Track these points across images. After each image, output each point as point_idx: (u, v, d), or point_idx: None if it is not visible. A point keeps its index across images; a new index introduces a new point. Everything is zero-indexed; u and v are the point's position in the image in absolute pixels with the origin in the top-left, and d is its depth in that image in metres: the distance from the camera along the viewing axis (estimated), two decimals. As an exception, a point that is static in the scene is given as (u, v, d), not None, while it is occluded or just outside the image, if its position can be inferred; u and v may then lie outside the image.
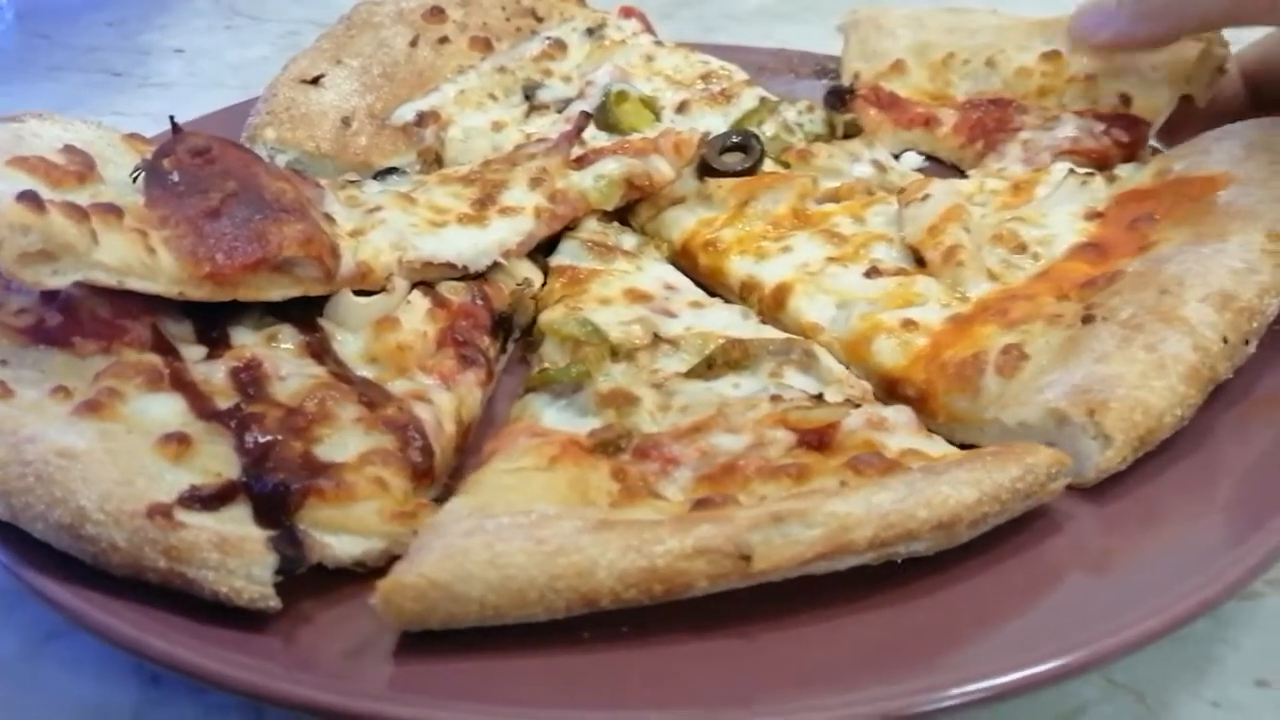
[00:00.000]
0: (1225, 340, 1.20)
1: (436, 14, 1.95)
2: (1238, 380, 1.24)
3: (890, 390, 1.28)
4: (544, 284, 1.49)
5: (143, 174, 1.34)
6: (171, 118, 1.42)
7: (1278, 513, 1.07)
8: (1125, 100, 1.70)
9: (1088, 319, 1.24)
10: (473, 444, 1.26)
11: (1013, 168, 1.67)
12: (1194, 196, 1.43)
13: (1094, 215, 1.48)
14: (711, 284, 1.51)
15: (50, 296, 1.22)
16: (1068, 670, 0.95)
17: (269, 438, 1.10)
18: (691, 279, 1.51)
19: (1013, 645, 0.99)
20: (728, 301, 1.47)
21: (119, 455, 1.03)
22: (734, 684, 0.95)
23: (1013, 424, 1.16)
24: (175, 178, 1.31)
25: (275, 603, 0.99)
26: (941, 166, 1.81)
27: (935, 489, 1.02)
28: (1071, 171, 1.56)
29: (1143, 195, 1.49)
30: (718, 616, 0.99)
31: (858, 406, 1.19)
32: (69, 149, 1.32)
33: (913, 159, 1.84)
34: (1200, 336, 1.18)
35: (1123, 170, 1.59)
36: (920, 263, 1.44)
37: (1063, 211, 1.49)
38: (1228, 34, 1.65)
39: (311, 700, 0.92)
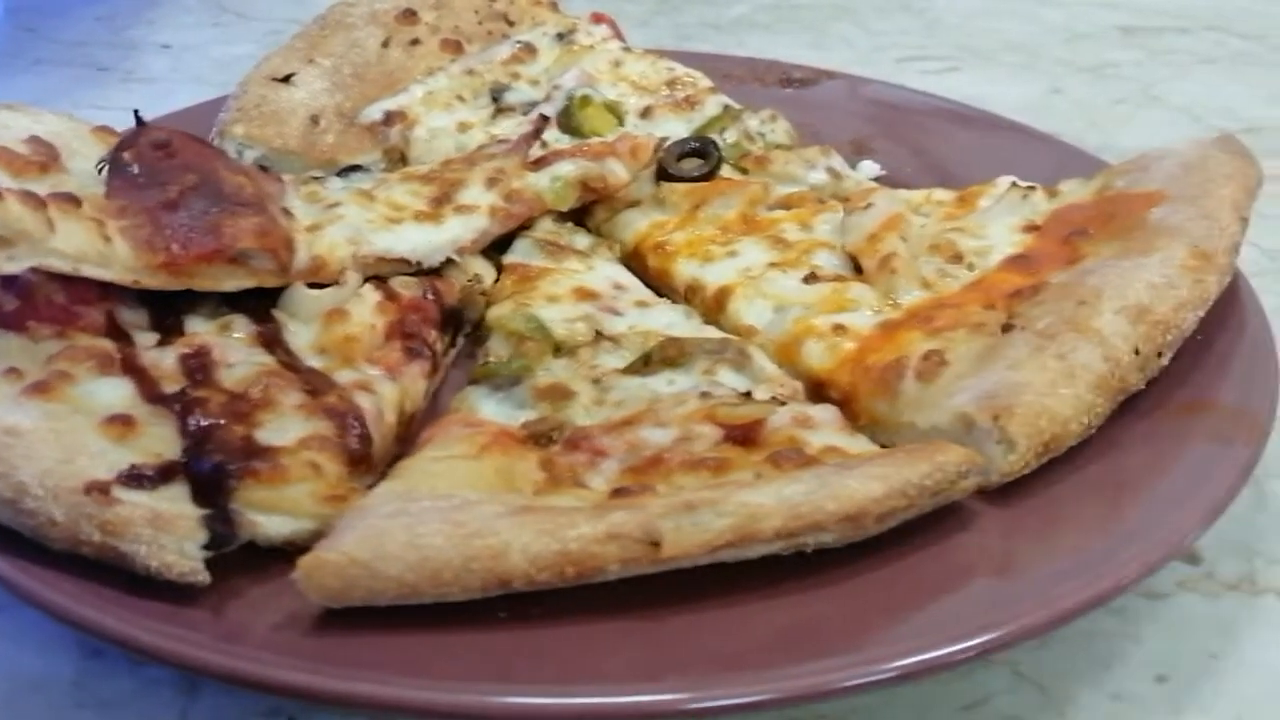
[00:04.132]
0: (1137, 351, 1.24)
1: (409, 16, 2.00)
2: (1152, 391, 1.28)
3: (818, 392, 1.33)
4: (496, 281, 1.54)
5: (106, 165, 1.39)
6: (136, 111, 1.46)
7: (1168, 518, 1.11)
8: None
9: (1007, 328, 1.28)
10: (415, 434, 1.31)
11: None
12: (1128, 212, 1.47)
13: (1031, 228, 1.52)
14: (660, 285, 1.56)
15: (6, 281, 1.25)
16: (964, 656, 0.99)
17: (211, 421, 1.15)
18: (642, 280, 1.56)
19: (913, 633, 1.03)
20: (675, 303, 1.51)
21: (63, 434, 1.08)
22: (643, 663, 0.99)
23: (925, 427, 1.21)
24: (135, 170, 1.36)
25: (204, 577, 1.03)
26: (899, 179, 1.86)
27: (844, 483, 1.06)
28: (1014, 184, 1.61)
29: (1080, 210, 1.54)
30: (632, 601, 1.04)
31: (784, 404, 1.23)
32: (34, 140, 1.37)
33: (870, 167, 1.88)
34: (1111, 347, 1.23)
35: (1066, 185, 1.64)
36: (859, 270, 1.49)
37: (1001, 224, 1.54)
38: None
39: (235, 670, 0.96)
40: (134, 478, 1.06)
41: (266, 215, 1.39)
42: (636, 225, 1.64)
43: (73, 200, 1.27)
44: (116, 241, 1.28)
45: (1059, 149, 1.86)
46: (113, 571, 1.05)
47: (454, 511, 1.01)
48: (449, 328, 1.46)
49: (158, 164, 1.37)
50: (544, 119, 1.74)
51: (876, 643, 1.02)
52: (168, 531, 1.02)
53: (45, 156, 1.35)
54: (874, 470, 1.08)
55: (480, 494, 1.06)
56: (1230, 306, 1.40)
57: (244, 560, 1.09)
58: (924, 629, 1.03)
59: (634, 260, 1.61)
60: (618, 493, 1.09)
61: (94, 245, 1.25)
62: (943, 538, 1.12)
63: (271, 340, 1.33)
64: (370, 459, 1.20)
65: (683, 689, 0.95)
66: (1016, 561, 1.11)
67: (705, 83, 2.00)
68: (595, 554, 1.00)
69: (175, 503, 1.06)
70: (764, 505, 1.03)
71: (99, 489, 1.03)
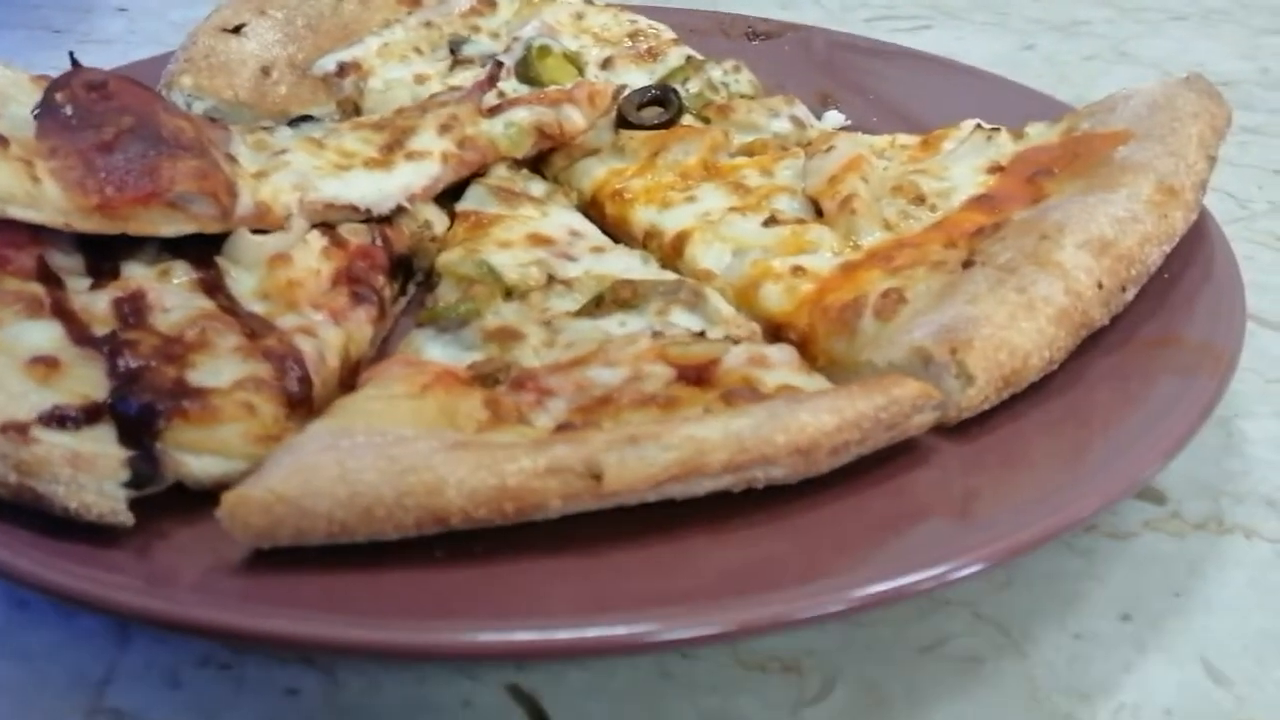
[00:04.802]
0: (1100, 285, 1.21)
1: (365, -32, 1.95)
2: (1117, 327, 1.25)
3: (775, 335, 1.29)
4: (449, 228, 1.50)
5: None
6: (71, 54, 1.42)
7: (1129, 453, 1.08)
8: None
9: (968, 264, 1.25)
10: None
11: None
12: (1093, 151, 1.44)
13: (996, 169, 1.49)
14: (618, 233, 1.52)
15: (-67, 224, 1.21)
16: (919, 587, 0.95)
17: (141, 362, 1.10)
18: (600, 228, 1.52)
19: (866, 567, 0.99)
20: (632, 249, 1.47)
21: (-18, 376, 1.04)
22: (584, 599, 0.95)
23: (882, 364, 1.17)
24: (69, 111, 1.31)
25: (126, 518, 0.99)
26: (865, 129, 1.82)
27: (795, 415, 1.02)
28: (979, 126, 1.57)
29: (1046, 151, 1.50)
30: (576, 540, 1.00)
31: (738, 343, 1.19)
32: (-36, 85, 1.32)
33: (835, 117, 1.85)
34: (1073, 280, 1.19)
35: (1032, 128, 1.60)
36: (820, 213, 1.45)
37: (965, 165, 1.50)
38: None
39: (158, 611, 0.92)
40: (56, 418, 1.02)
41: (207, 159, 1.34)
42: (595, 173, 1.60)
43: (-1, 140, 1.22)
44: (46, 182, 1.23)
45: (1028, 97, 1.82)
46: (38, 517, 1.00)
47: (388, 447, 0.97)
48: (398, 274, 1.42)
49: (92, 106, 1.32)
50: (499, 65, 1.70)
51: (828, 577, 0.98)
52: (87, 471, 0.98)
53: (-27, 100, 1.30)
54: (826, 403, 1.04)
55: (418, 430, 1.02)
56: (1197, 244, 1.36)
57: (176, 505, 1.04)
58: (878, 563, 1.00)
59: (592, 208, 1.57)
60: (561, 428, 1.05)
61: (21, 186, 1.21)
62: (901, 473, 1.08)
63: (212, 286, 1.29)
64: (310, 402, 1.16)
65: (623, 623, 0.91)
66: (975, 497, 1.08)
67: (668, 34, 1.97)
68: (535, 489, 0.96)
69: (99, 443, 1.01)
70: (710, 438, 0.99)
71: (16, 429, 0.99)
